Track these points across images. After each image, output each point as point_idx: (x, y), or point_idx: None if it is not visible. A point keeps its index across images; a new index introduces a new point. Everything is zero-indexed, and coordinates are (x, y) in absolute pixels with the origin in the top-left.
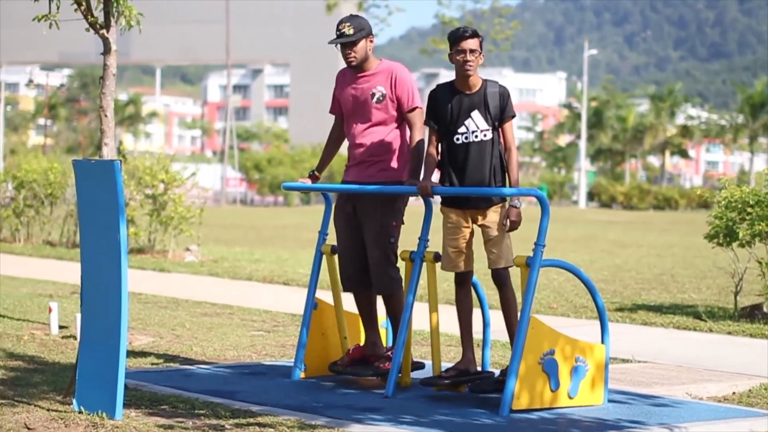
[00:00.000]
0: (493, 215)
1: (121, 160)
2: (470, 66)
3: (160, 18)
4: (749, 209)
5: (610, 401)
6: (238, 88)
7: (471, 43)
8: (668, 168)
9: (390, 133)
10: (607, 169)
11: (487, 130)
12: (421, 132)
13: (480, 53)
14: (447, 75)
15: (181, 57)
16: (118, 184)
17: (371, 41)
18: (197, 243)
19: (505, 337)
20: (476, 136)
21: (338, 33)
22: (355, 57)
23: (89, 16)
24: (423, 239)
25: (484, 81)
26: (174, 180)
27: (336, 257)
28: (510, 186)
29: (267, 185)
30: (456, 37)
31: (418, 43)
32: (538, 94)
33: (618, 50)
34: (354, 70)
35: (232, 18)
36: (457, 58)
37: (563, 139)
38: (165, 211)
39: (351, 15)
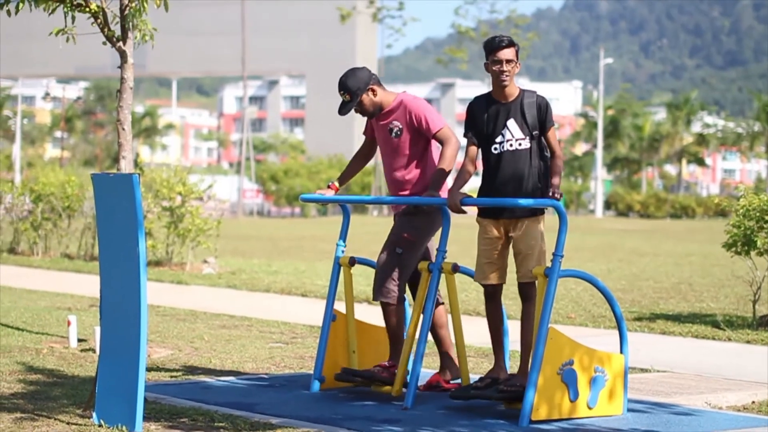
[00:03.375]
0: (525, 227)
1: (139, 173)
2: (507, 76)
3: (176, 30)
4: (767, 217)
5: (629, 411)
6: (254, 99)
7: (507, 53)
8: (685, 176)
9: (417, 163)
10: (624, 177)
11: (523, 139)
12: (452, 147)
13: (516, 62)
14: (463, 85)
15: (197, 69)
16: (137, 197)
17: (373, 91)
18: (215, 255)
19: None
20: (511, 145)
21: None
22: (365, 112)
23: (106, 30)
24: (441, 250)
25: (522, 91)
26: (191, 192)
27: (352, 269)
28: (552, 188)
29: (284, 196)
30: (492, 47)
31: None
32: (554, 103)
33: (634, 59)
34: (377, 114)
35: (247, 29)
36: (494, 68)
37: (580, 148)
38: (182, 223)
39: (345, 75)
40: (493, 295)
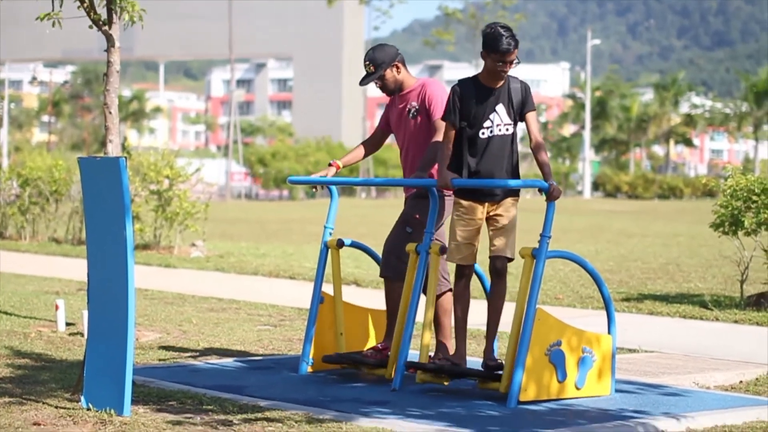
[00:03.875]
0: (507, 206)
1: (126, 157)
2: (505, 74)
3: (163, 13)
4: (755, 197)
5: (617, 391)
6: (241, 82)
7: (514, 55)
8: (672, 157)
9: (428, 143)
10: (612, 158)
11: (510, 124)
12: (441, 136)
13: (517, 60)
14: (450, 67)
15: (185, 52)
16: (124, 181)
17: (398, 67)
18: (203, 238)
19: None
20: (500, 130)
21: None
22: (385, 87)
23: (92, 13)
24: (429, 231)
25: (507, 76)
26: (179, 176)
27: (340, 251)
28: (544, 173)
29: (272, 179)
30: (499, 50)
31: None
32: (542, 84)
33: (621, 40)
34: (396, 93)
35: (234, 13)
36: (496, 65)
37: (567, 130)
38: (170, 206)
39: (373, 48)
40: (466, 276)
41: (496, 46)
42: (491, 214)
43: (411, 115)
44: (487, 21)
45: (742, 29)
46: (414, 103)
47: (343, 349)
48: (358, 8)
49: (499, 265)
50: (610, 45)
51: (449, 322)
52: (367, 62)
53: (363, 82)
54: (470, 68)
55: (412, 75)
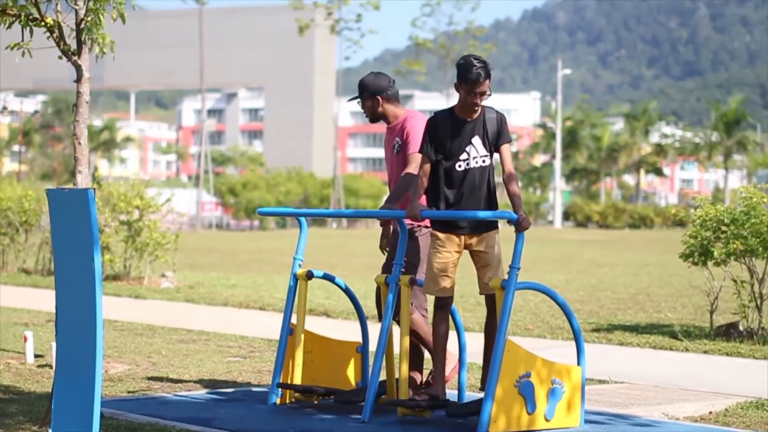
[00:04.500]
0: (489, 240)
1: (95, 188)
2: (478, 107)
3: (134, 43)
4: (724, 228)
5: (586, 422)
6: (212, 112)
7: (485, 86)
8: (643, 186)
9: None
10: (583, 188)
11: (486, 156)
12: (414, 169)
13: (489, 92)
14: (421, 96)
15: (156, 82)
16: (92, 213)
17: (378, 101)
18: (173, 269)
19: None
20: (476, 162)
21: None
22: (365, 113)
23: (62, 44)
24: (398, 263)
25: (483, 107)
26: (149, 206)
27: (311, 282)
28: (514, 204)
29: (243, 209)
30: (470, 79)
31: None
32: (513, 114)
33: (592, 69)
34: (376, 122)
35: (205, 42)
36: (468, 97)
37: (538, 159)
38: (140, 237)
39: (372, 73)
40: (444, 307)
41: (466, 76)
42: (475, 249)
43: (395, 149)
44: (458, 51)
45: (712, 59)
46: (397, 138)
47: (300, 380)
48: (329, 38)
49: (492, 302)
50: (581, 74)
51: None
52: (358, 84)
53: (350, 99)
54: (441, 98)
55: (400, 108)
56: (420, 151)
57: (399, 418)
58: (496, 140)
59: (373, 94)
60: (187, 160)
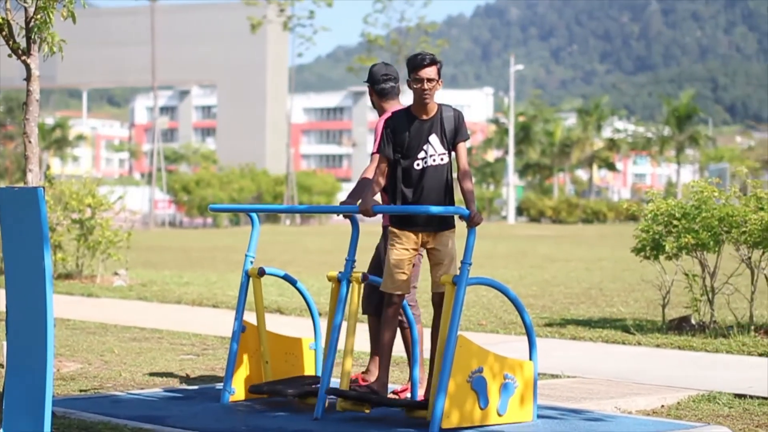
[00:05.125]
0: (444, 239)
1: (44, 186)
2: (428, 94)
3: (86, 41)
4: (675, 222)
5: (539, 417)
6: (165, 109)
7: (429, 72)
8: (596, 181)
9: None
10: (536, 183)
11: (444, 153)
12: (373, 169)
13: (438, 80)
14: None
15: (108, 80)
16: (42, 211)
17: (371, 90)
18: (125, 267)
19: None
20: (434, 160)
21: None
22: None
23: (11, 42)
24: (350, 260)
25: (439, 105)
26: (101, 204)
27: (265, 279)
28: (467, 200)
29: (196, 207)
30: (414, 65)
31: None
32: (466, 110)
33: (544, 65)
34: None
35: (157, 40)
36: (415, 86)
37: (491, 155)
38: (92, 235)
39: (380, 62)
40: (396, 302)
41: (411, 64)
42: (429, 246)
43: None
44: (410, 47)
45: (664, 53)
46: None
47: (270, 378)
48: (282, 35)
49: (442, 301)
50: (534, 70)
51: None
52: None
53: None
54: None
55: (390, 105)
56: (377, 151)
57: (351, 416)
58: (453, 138)
59: (368, 81)
60: (140, 158)
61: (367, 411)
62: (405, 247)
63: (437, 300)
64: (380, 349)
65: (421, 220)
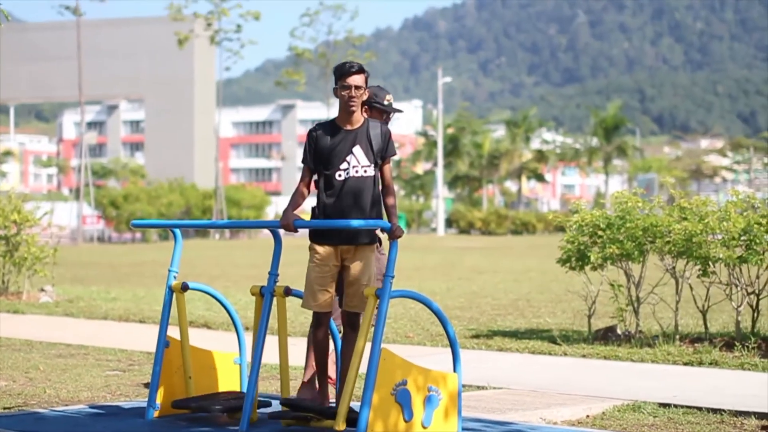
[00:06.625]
0: (361, 255)
1: None
2: (354, 102)
3: (13, 56)
4: (600, 232)
5: (464, 429)
6: (93, 124)
7: (356, 80)
8: (525, 192)
9: None
10: (465, 195)
11: (368, 166)
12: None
13: (365, 89)
14: (303, 106)
15: (36, 95)
16: None
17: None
18: (52, 283)
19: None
20: (357, 172)
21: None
22: None
23: None
24: (273, 273)
25: (366, 119)
26: (27, 220)
27: (192, 293)
28: (389, 213)
29: (124, 222)
30: (342, 72)
31: (274, 75)
32: (395, 122)
33: (473, 77)
34: None
35: (84, 54)
36: (342, 93)
37: (420, 167)
38: (18, 252)
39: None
40: (323, 324)
41: (339, 71)
42: (346, 262)
43: None
44: (337, 60)
45: (591, 65)
46: None
47: (192, 393)
48: (209, 48)
49: (351, 319)
50: (462, 82)
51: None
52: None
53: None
54: (323, 107)
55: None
56: (302, 162)
57: (276, 428)
58: (381, 154)
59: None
60: (69, 173)
61: (316, 425)
62: (326, 264)
63: (348, 321)
64: (317, 368)
65: (337, 232)
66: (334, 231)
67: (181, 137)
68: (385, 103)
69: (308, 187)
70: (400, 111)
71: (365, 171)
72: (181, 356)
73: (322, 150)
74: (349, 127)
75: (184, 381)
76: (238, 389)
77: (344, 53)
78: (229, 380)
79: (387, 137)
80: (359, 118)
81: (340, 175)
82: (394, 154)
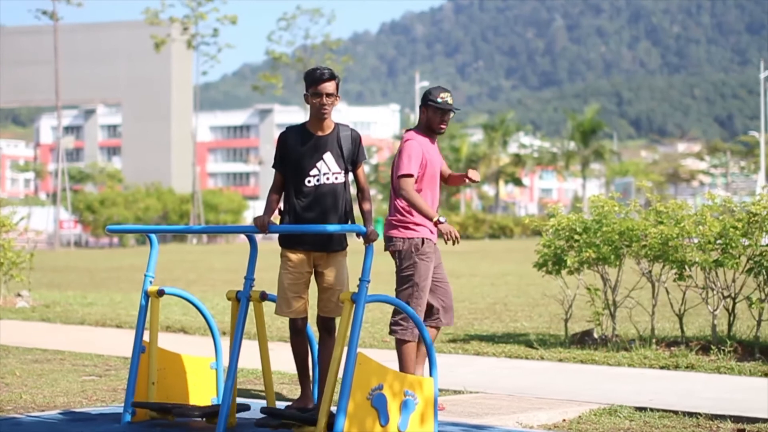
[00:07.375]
0: (334, 261)
1: None
2: (326, 109)
3: None
4: (576, 236)
5: None
6: (71, 129)
7: (328, 87)
8: (503, 196)
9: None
10: (443, 199)
11: (339, 173)
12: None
13: (336, 96)
14: (281, 110)
15: (12, 99)
16: None
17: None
18: (28, 288)
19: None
20: (328, 179)
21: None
22: None
23: None
24: (249, 278)
25: (337, 124)
26: (3, 225)
27: (169, 298)
28: (365, 218)
29: (101, 226)
30: (313, 79)
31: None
32: (372, 126)
33: (451, 81)
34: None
35: (61, 59)
36: (314, 101)
37: None
38: None
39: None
40: (300, 330)
41: (310, 78)
42: (319, 269)
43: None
44: (314, 64)
45: (569, 69)
46: None
47: (154, 398)
48: (186, 53)
49: (327, 324)
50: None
51: (413, 370)
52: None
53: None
54: (300, 111)
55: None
56: (272, 166)
57: None
58: (352, 159)
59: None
60: (46, 178)
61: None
62: (299, 270)
63: (323, 326)
64: (300, 372)
65: (309, 238)
66: (306, 237)
67: (158, 141)
68: (439, 101)
69: (280, 193)
70: (457, 109)
71: (336, 178)
72: (162, 361)
73: (292, 155)
74: (320, 133)
75: (160, 386)
76: (214, 394)
77: (322, 57)
78: (204, 385)
79: (357, 143)
80: (330, 124)
81: (309, 182)
82: (365, 159)
